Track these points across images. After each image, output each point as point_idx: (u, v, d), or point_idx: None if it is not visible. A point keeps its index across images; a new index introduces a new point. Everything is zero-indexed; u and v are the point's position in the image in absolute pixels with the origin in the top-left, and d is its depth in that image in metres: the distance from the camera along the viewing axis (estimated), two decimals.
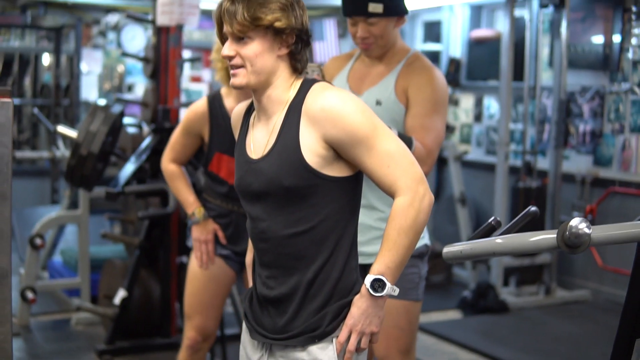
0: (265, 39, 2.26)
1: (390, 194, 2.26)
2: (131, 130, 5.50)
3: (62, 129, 4.89)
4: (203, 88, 10.15)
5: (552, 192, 6.84)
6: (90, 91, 9.65)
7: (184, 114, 3.70)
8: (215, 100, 3.61)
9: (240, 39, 2.27)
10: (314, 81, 2.33)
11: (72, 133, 4.71)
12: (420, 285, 3.25)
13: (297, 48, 2.31)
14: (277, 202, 2.28)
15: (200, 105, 3.62)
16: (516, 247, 2.18)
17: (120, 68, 9.83)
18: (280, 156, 2.26)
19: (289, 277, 2.30)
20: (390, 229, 2.23)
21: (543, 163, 7.13)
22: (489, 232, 2.33)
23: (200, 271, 3.63)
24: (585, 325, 6.21)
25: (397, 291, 2.24)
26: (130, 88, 9.88)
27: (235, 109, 2.51)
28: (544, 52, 7.26)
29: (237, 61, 2.29)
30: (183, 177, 3.68)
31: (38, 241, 5.78)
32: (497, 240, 2.22)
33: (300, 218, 2.27)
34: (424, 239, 3.26)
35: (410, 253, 2.25)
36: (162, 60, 5.15)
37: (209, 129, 3.59)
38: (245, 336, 2.45)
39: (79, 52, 8.89)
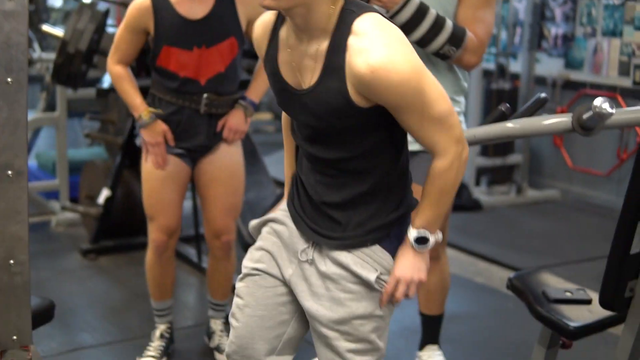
0: None
1: (429, 151, 2.19)
2: (112, 30, 5.45)
3: (47, 27, 4.84)
4: None
5: (524, 94, 6.94)
6: None
7: (127, 11, 3.60)
8: None
9: None
10: (353, 11, 2.10)
11: (58, 32, 4.67)
12: None
13: None
14: (326, 132, 2.20)
15: (142, 0, 3.52)
16: (530, 130, 2.25)
17: None
18: (327, 96, 2.12)
19: (343, 187, 2.26)
20: (431, 188, 2.20)
21: (515, 66, 7.21)
22: (500, 118, 2.40)
23: (155, 171, 3.58)
24: (556, 223, 6.39)
25: (440, 237, 2.27)
26: None
27: (261, 19, 2.31)
28: None
29: None
30: (130, 78, 3.59)
31: None
32: (511, 125, 2.29)
33: (351, 144, 2.20)
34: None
35: (450, 202, 2.27)
36: None
37: (154, 23, 3.49)
38: (286, 220, 2.39)
39: None
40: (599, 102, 2.07)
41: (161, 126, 3.55)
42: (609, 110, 2.08)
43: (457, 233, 5.87)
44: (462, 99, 3.34)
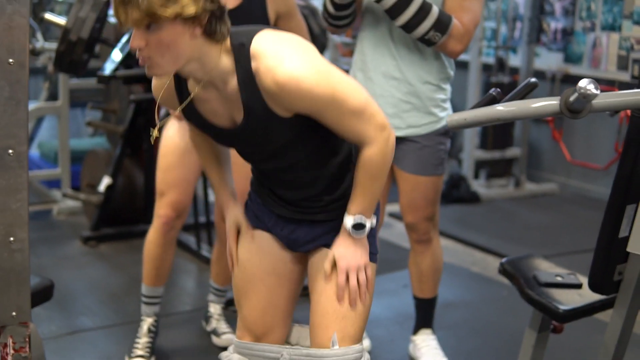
0: (175, 27, 2.05)
1: (357, 144, 2.27)
2: (113, 20, 5.49)
3: (49, 16, 4.88)
4: None
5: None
6: None
7: None
8: None
9: (147, 27, 2.05)
10: (242, 43, 2.16)
11: (61, 20, 4.72)
12: (445, 159, 3.52)
13: (210, 26, 2.11)
14: (274, 151, 2.29)
15: None
16: (519, 113, 2.29)
17: None
18: (259, 124, 2.21)
19: (310, 188, 2.40)
20: (361, 176, 2.28)
21: (514, 60, 7.25)
22: (491, 102, 2.44)
23: (174, 147, 3.59)
24: (553, 215, 6.43)
25: (374, 223, 2.35)
26: None
27: (155, 85, 2.34)
28: None
29: (147, 52, 2.08)
30: None
31: None
32: (500, 107, 2.33)
33: (300, 147, 2.29)
34: (448, 113, 3.42)
35: (382, 186, 2.32)
36: None
37: None
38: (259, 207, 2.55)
39: None
40: (583, 83, 2.11)
41: None
42: (594, 91, 2.12)
43: (454, 224, 5.92)
44: (448, 86, 3.45)
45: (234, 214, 2.56)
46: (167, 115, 3.63)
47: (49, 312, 4.15)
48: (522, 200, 6.83)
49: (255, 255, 2.50)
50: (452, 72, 3.43)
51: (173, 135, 3.60)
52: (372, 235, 2.43)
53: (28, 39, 2.30)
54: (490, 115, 2.32)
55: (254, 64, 2.13)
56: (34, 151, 6.98)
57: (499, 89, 2.45)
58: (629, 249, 2.47)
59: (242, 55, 2.15)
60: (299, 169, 2.36)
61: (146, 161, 5.24)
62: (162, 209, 3.62)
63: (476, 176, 7.04)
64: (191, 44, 2.09)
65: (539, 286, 2.84)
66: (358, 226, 2.31)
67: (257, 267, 2.50)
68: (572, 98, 2.15)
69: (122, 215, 5.44)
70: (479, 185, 6.92)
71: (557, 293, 2.82)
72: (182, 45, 2.08)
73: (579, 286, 2.89)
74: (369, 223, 2.32)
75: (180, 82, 2.28)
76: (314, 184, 2.39)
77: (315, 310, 2.39)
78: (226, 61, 2.16)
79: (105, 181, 5.18)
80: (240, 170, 3.71)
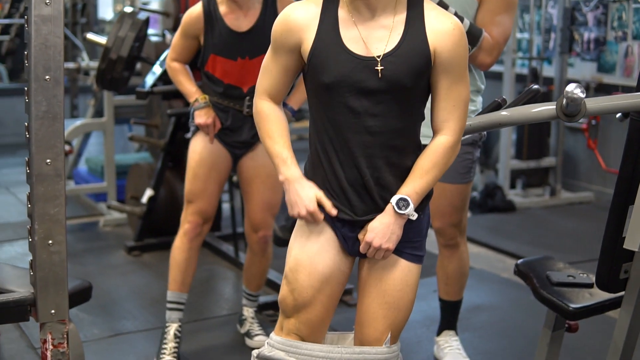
0: None
1: (436, 125, 2.39)
2: (154, 39, 5.74)
3: (91, 36, 5.12)
4: None
5: (558, 97, 7.05)
6: (105, 11, 9.84)
7: (183, 17, 3.90)
8: (210, 5, 3.77)
9: None
10: None
11: (102, 39, 4.95)
12: (473, 168, 3.65)
13: None
14: (393, 99, 2.34)
15: (196, 9, 3.79)
16: (519, 118, 2.44)
17: None
18: (407, 57, 2.31)
19: (390, 165, 2.39)
20: (426, 160, 2.37)
21: (549, 71, 7.35)
22: (496, 108, 2.59)
23: (200, 159, 3.82)
24: (588, 223, 6.50)
25: (415, 216, 2.37)
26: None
27: (295, 10, 2.43)
28: None
29: None
30: (185, 71, 3.89)
31: (66, 147, 6.04)
32: (502, 113, 2.48)
33: (408, 112, 2.37)
34: None
35: (437, 179, 2.41)
36: None
37: (203, 32, 3.77)
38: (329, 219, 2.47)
39: None
40: (570, 87, 2.25)
41: (213, 111, 3.82)
42: (580, 94, 2.26)
43: (488, 232, 6.03)
44: (478, 98, 3.54)
45: (313, 191, 2.42)
46: (197, 129, 3.85)
47: (92, 316, 4.37)
48: (557, 209, 6.91)
49: (318, 258, 2.47)
50: (482, 85, 3.53)
51: (200, 150, 3.85)
52: (422, 235, 2.48)
53: (63, 57, 2.49)
54: (492, 121, 2.47)
55: (426, 10, 2.35)
56: (82, 166, 7.24)
57: (504, 97, 2.60)
58: (625, 246, 2.58)
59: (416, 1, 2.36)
60: (390, 116, 2.36)
61: None
62: (189, 216, 3.88)
63: (513, 186, 7.14)
64: None
65: (551, 285, 2.95)
66: (402, 201, 2.34)
67: (317, 275, 2.47)
68: (564, 102, 2.29)
69: (164, 225, 5.64)
70: (515, 195, 7.02)
71: (568, 292, 2.92)
72: None
73: (590, 285, 2.98)
74: (412, 206, 2.34)
75: (327, 11, 2.39)
76: (396, 141, 2.38)
77: (366, 310, 2.49)
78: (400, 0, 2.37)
79: (148, 193, 5.39)
80: (260, 199, 3.90)
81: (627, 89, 6.74)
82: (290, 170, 2.41)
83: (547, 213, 6.79)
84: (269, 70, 2.47)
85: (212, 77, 3.82)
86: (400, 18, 2.34)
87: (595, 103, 2.34)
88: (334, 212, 2.40)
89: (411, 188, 2.35)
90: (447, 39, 2.30)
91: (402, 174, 2.40)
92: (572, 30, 7.16)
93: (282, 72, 2.44)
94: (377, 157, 2.37)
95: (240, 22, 3.75)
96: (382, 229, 2.37)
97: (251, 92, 3.78)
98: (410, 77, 2.31)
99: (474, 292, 3.98)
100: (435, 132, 2.41)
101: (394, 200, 2.35)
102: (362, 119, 2.34)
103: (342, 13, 2.37)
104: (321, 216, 2.41)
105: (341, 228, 2.45)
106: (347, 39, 2.35)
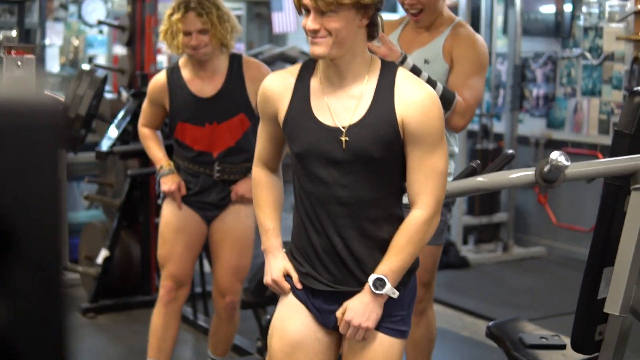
0: (350, 13, 2.27)
1: (411, 198, 2.36)
2: (109, 96, 5.69)
3: (48, 93, 5.06)
4: (163, 60, 10.24)
5: (508, 154, 7.15)
6: (53, 63, 9.74)
7: (149, 85, 3.90)
8: (173, 73, 3.78)
9: (323, 12, 2.26)
10: (392, 63, 2.42)
11: (59, 97, 4.89)
12: (445, 230, 3.66)
13: (375, 17, 2.34)
14: (361, 170, 2.34)
15: (160, 77, 3.80)
16: (498, 184, 2.46)
17: (75, 41, 9.89)
18: (373, 128, 2.31)
19: (363, 236, 2.38)
20: (401, 236, 2.34)
21: (499, 127, 7.46)
22: (471, 173, 2.61)
23: (170, 223, 3.82)
24: (541, 278, 6.57)
25: (396, 294, 2.35)
26: (91, 59, 9.96)
27: (272, 80, 2.47)
28: (499, 20, 7.56)
29: (322, 34, 2.28)
30: (154, 136, 3.89)
31: None
32: (480, 179, 2.49)
33: (380, 183, 2.36)
34: None
35: (414, 256, 2.39)
36: (137, 28, 5.35)
37: (168, 99, 3.77)
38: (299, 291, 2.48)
39: (43, 26, 8.96)
40: (555, 155, 2.28)
41: (178, 177, 3.82)
42: (565, 162, 2.29)
43: (444, 290, 6.03)
44: (452, 163, 3.56)
45: (282, 264, 2.49)
46: (164, 196, 3.83)
47: None
48: (510, 264, 6.96)
49: (288, 322, 2.48)
50: (456, 149, 3.55)
51: (168, 214, 3.84)
52: (405, 307, 2.45)
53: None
54: (471, 187, 2.49)
55: (397, 79, 2.35)
56: None
57: (478, 161, 2.62)
58: (606, 310, 2.60)
59: (389, 68, 2.37)
60: (359, 187, 2.36)
61: (142, 234, 5.38)
62: (162, 281, 3.88)
63: (465, 242, 7.18)
64: (356, 31, 2.30)
65: (525, 348, 2.96)
66: (379, 281, 2.32)
67: (288, 339, 2.46)
68: (545, 169, 2.31)
69: (119, 286, 5.54)
70: (467, 251, 7.06)
71: (542, 354, 2.95)
72: (350, 31, 2.29)
73: (563, 347, 3.01)
74: (389, 285, 2.32)
75: (302, 80, 2.42)
76: (368, 212, 2.37)
77: None
78: (372, 66, 2.38)
79: (103, 253, 5.30)
80: (227, 263, 3.86)
81: (576, 145, 6.86)
82: (270, 241, 2.51)
83: (500, 268, 6.83)
84: (260, 138, 2.55)
85: (182, 144, 3.82)
86: (371, 87, 2.35)
87: (574, 169, 2.36)
88: (299, 285, 2.46)
89: (387, 267, 2.34)
90: (416, 109, 2.30)
91: (378, 246, 2.39)
92: (522, 88, 7.28)
93: (269, 139, 2.51)
94: (349, 227, 2.38)
95: (206, 87, 3.74)
96: (361, 308, 2.35)
97: (220, 157, 3.79)
98: (377, 147, 2.31)
99: (435, 352, 3.94)
100: (410, 205, 2.39)
101: (370, 280, 2.34)
102: (332, 189, 2.36)
103: (315, 82, 2.41)
104: (287, 286, 2.46)
105: (313, 299, 2.45)
106: (316, 108, 2.38)
